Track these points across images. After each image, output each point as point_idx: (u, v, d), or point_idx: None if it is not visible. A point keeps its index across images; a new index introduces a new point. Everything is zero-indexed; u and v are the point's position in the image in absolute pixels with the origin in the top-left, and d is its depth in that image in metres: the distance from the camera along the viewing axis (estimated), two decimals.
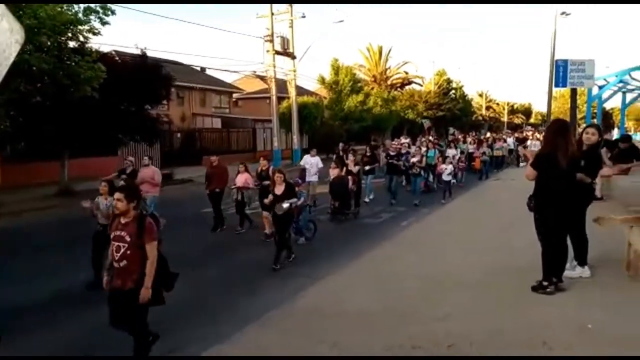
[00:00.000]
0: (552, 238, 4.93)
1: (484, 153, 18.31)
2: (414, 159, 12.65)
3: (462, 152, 18.36)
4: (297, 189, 8.46)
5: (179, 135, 27.10)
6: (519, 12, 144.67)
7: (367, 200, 13.00)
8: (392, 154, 13.40)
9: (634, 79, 16.61)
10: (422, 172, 13.01)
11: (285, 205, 7.02)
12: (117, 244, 3.99)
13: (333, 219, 10.88)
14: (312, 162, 12.61)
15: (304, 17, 26.62)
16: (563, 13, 23.01)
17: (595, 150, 5.52)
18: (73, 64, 12.79)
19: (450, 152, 16.95)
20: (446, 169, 12.96)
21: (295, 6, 26.54)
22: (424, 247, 7.55)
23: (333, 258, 7.41)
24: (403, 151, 14.88)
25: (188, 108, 31.91)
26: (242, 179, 9.71)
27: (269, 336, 4.42)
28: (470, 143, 21.37)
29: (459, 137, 25.33)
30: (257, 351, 4.11)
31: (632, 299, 4.82)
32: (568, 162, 4.72)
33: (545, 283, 4.98)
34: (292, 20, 26.54)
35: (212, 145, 27.81)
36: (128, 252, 3.94)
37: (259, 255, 7.90)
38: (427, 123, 28.60)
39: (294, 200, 7.28)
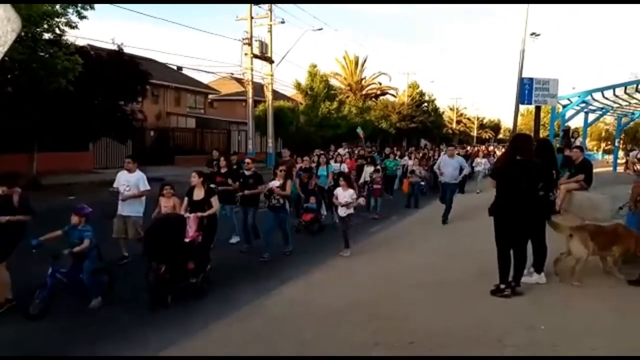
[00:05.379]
0: (507, 244, 5.26)
1: (412, 172, 13.66)
2: (272, 184, 7.74)
3: (383, 169, 13.36)
4: (77, 220, 5.34)
5: (152, 133, 26.79)
6: (495, 29, 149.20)
7: (232, 241, 8.45)
8: (247, 173, 8.13)
9: (595, 100, 17.46)
10: (286, 204, 7.73)
11: None
12: None
13: (152, 298, 5.30)
14: (130, 182, 7.33)
15: (283, 22, 26.88)
16: (533, 34, 24.06)
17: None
18: (47, 55, 12.63)
19: (367, 170, 12.11)
20: (341, 199, 7.67)
21: (275, 11, 26.80)
22: None
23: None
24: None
25: (162, 107, 31.56)
26: None
27: (236, 334, 4.56)
28: (411, 158, 16.24)
29: (392, 150, 17.49)
30: (226, 350, 4.24)
31: (582, 302, 5.17)
32: (518, 173, 5.09)
33: (502, 286, 5.30)
34: (271, 25, 26.73)
35: (186, 145, 27.66)
36: None
37: None
38: (361, 132, 24.55)
39: None
